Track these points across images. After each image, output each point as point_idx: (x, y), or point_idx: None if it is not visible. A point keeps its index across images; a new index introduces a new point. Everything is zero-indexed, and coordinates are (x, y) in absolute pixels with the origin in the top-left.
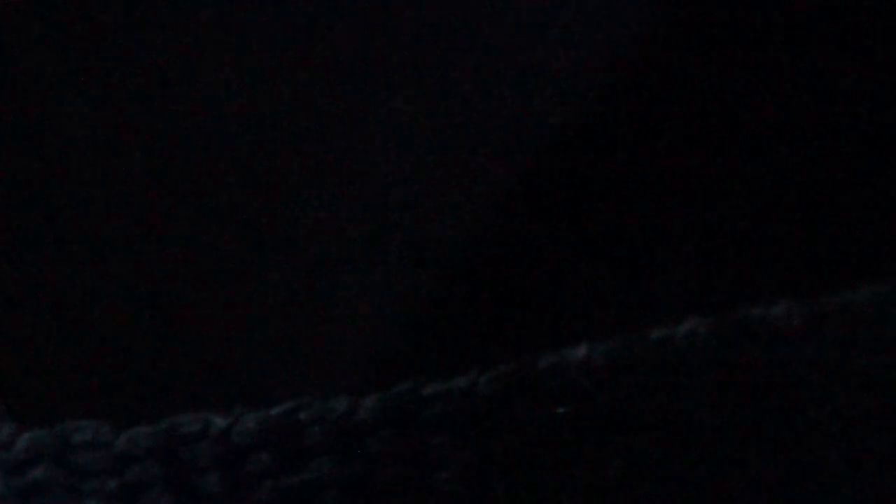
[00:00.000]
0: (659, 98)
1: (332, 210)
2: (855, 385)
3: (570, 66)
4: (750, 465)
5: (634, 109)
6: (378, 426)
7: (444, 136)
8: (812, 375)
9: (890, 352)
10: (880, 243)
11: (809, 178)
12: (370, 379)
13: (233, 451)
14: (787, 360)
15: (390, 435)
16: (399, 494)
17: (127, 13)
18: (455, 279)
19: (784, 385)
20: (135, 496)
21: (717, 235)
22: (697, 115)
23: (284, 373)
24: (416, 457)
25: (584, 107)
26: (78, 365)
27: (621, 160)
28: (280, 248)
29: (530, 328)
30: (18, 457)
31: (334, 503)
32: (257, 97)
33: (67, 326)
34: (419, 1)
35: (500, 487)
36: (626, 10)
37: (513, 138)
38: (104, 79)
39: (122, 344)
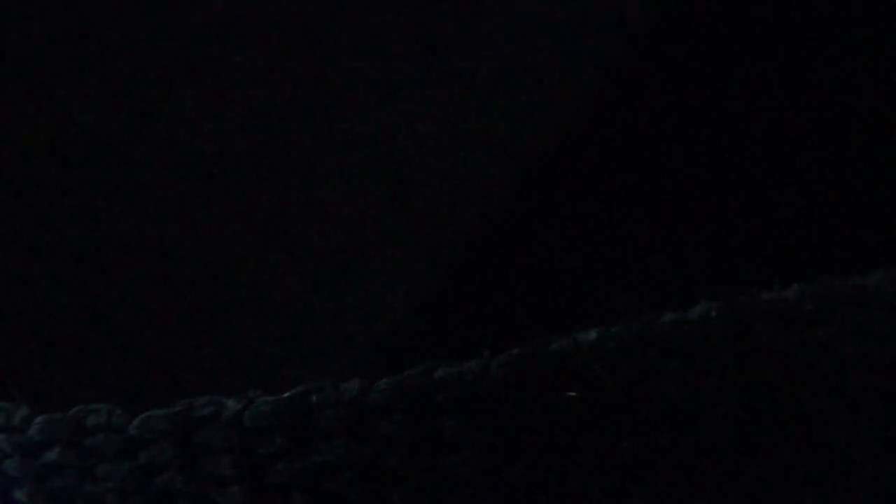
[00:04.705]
0: (669, 87)
1: (345, 196)
2: (868, 370)
3: (585, 58)
4: (762, 450)
5: (644, 98)
6: (390, 409)
7: (457, 124)
8: (825, 360)
9: None
10: (892, 227)
11: (821, 160)
12: (382, 362)
13: (246, 434)
14: (799, 345)
15: (402, 418)
16: (411, 478)
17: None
18: (468, 263)
19: (797, 370)
20: (148, 479)
21: (729, 218)
22: (709, 101)
23: (297, 356)
24: (427, 440)
25: (590, 97)
26: (91, 348)
27: (632, 142)
28: (293, 233)
29: (542, 312)
30: (32, 439)
31: (346, 486)
32: (277, 89)
33: (80, 310)
34: None
35: (512, 471)
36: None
37: (526, 125)
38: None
39: (135, 327)
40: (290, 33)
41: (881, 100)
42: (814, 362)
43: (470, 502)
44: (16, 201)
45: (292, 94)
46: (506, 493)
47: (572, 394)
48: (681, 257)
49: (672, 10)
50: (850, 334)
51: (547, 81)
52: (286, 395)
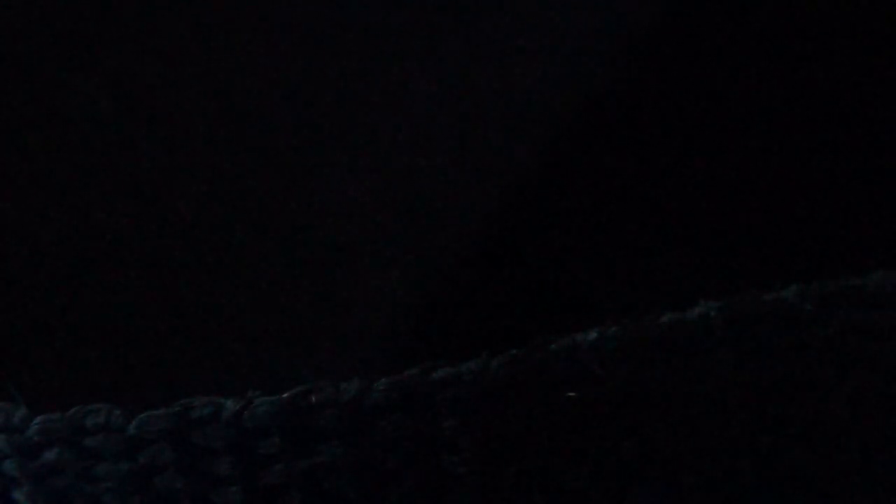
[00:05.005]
0: (670, 88)
1: (346, 195)
2: (868, 370)
3: (586, 57)
4: (762, 450)
5: (645, 98)
6: (390, 410)
7: (457, 121)
8: (825, 360)
9: None
10: (892, 227)
11: (820, 160)
12: (382, 362)
13: (245, 434)
14: (799, 345)
15: (402, 418)
16: (411, 478)
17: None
18: (467, 263)
19: (796, 370)
20: (147, 479)
21: (729, 218)
22: (710, 101)
23: (296, 356)
24: (427, 440)
25: (593, 93)
26: (90, 348)
27: (633, 142)
28: (293, 232)
29: (542, 312)
30: (31, 440)
31: (345, 486)
32: (277, 77)
33: (79, 310)
34: None
35: (512, 471)
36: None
37: (525, 124)
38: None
39: (134, 327)
40: (291, 32)
41: (881, 100)
42: (814, 362)
43: (470, 502)
44: (15, 201)
45: (293, 93)
46: (505, 493)
47: (572, 394)
48: (681, 257)
49: (673, 10)
50: (850, 334)
51: (548, 81)
52: (285, 395)
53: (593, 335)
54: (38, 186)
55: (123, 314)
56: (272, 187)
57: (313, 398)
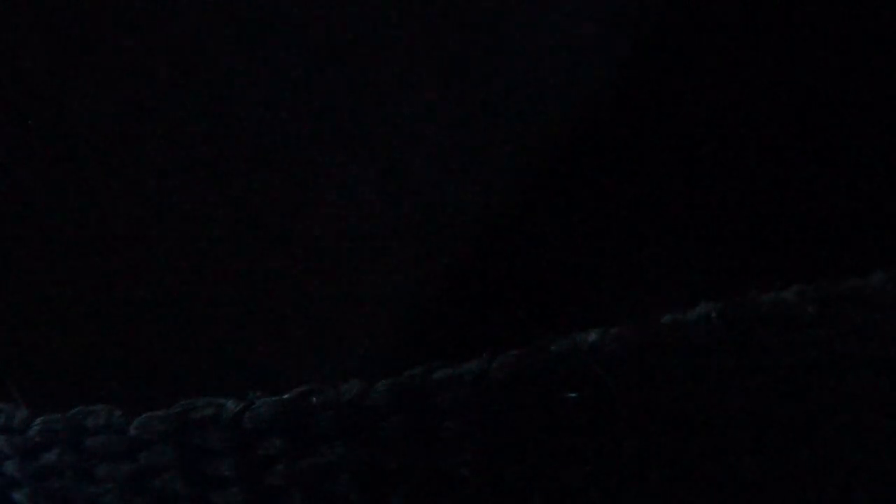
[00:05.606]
0: (671, 87)
1: (346, 196)
2: (868, 371)
3: (586, 56)
4: (762, 451)
5: (647, 97)
6: (390, 411)
7: (458, 120)
8: (825, 361)
9: None
10: (892, 227)
11: (821, 160)
12: (382, 363)
13: (245, 435)
14: (799, 346)
15: (402, 420)
16: (411, 479)
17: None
18: (467, 263)
19: (797, 371)
20: (148, 480)
21: (730, 218)
22: (711, 101)
23: (297, 357)
24: (427, 441)
25: (596, 92)
26: (91, 349)
27: (633, 142)
28: (293, 233)
29: (542, 313)
30: (32, 441)
31: (346, 488)
32: (277, 86)
33: (81, 311)
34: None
35: (512, 471)
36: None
37: (524, 125)
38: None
39: (135, 328)
40: (292, 32)
41: (881, 99)
42: (814, 363)
43: (470, 502)
44: (16, 201)
45: (294, 93)
46: (506, 494)
47: (572, 394)
48: (681, 258)
49: (675, 11)
50: (850, 335)
51: (550, 80)
52: (286, 396)
53: (593, 335)
54: (38, 186)
55: (124, 314)
56: (272, 187)
57: (314, 399)
